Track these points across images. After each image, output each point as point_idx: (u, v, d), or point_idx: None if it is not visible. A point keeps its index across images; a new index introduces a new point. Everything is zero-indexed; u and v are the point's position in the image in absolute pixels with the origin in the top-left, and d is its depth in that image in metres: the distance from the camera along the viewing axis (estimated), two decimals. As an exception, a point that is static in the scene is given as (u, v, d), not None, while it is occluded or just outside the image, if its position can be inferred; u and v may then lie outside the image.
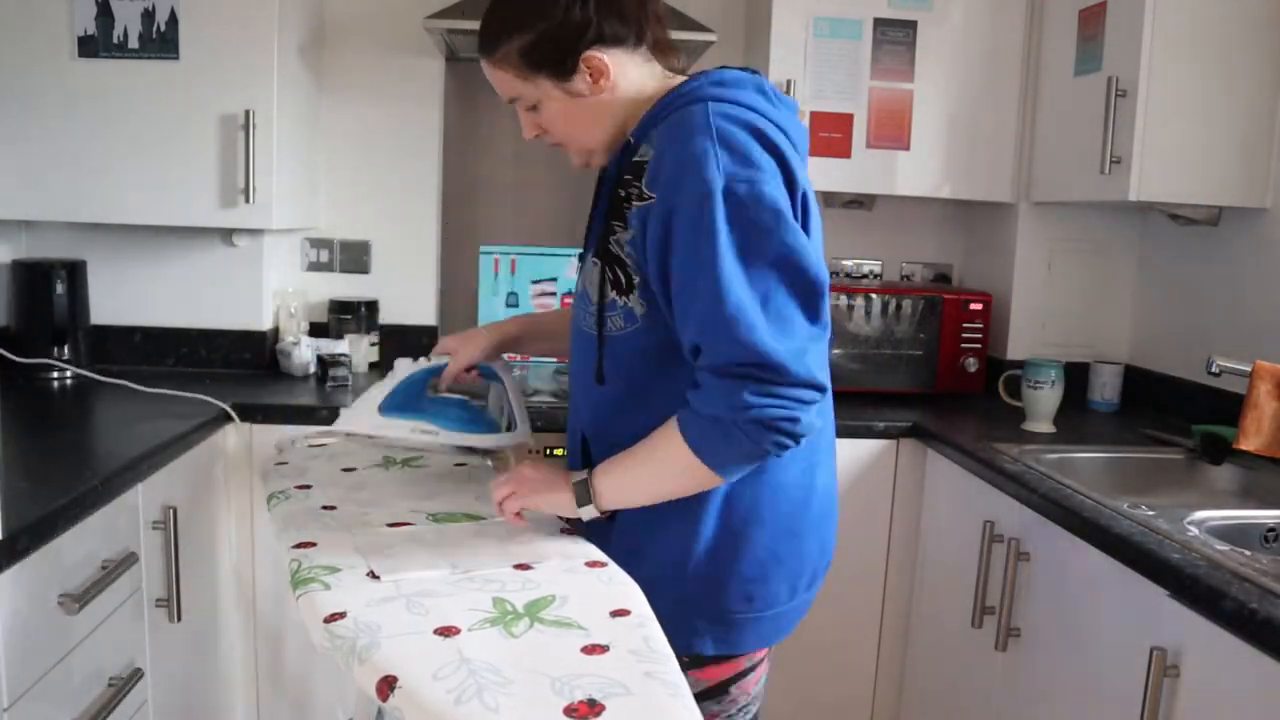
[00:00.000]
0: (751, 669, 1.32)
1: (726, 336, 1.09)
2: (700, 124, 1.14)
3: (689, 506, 1.23)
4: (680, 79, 1.26)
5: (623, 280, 1.21)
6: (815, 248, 1.18)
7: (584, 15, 1.19)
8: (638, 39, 1.24)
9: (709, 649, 1.27)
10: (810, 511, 1.30)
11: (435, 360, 1.47)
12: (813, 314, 1.14)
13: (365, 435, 1.46)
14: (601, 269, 1.22)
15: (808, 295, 1.13)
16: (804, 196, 1.20)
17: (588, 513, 1.23)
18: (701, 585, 1.25)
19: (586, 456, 1.30)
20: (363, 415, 1.41)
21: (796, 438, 1.12)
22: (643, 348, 1.22)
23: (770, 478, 1.24)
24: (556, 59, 1.20)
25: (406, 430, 1.42)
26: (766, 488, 1.25)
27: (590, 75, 1.21)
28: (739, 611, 1.26)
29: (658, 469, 1.20)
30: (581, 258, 1.33)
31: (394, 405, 1.42)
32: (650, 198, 1.14)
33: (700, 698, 1.27)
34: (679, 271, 1.13)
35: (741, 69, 1.25)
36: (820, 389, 1.12)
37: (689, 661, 1.25)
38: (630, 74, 1.24)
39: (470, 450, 1.56)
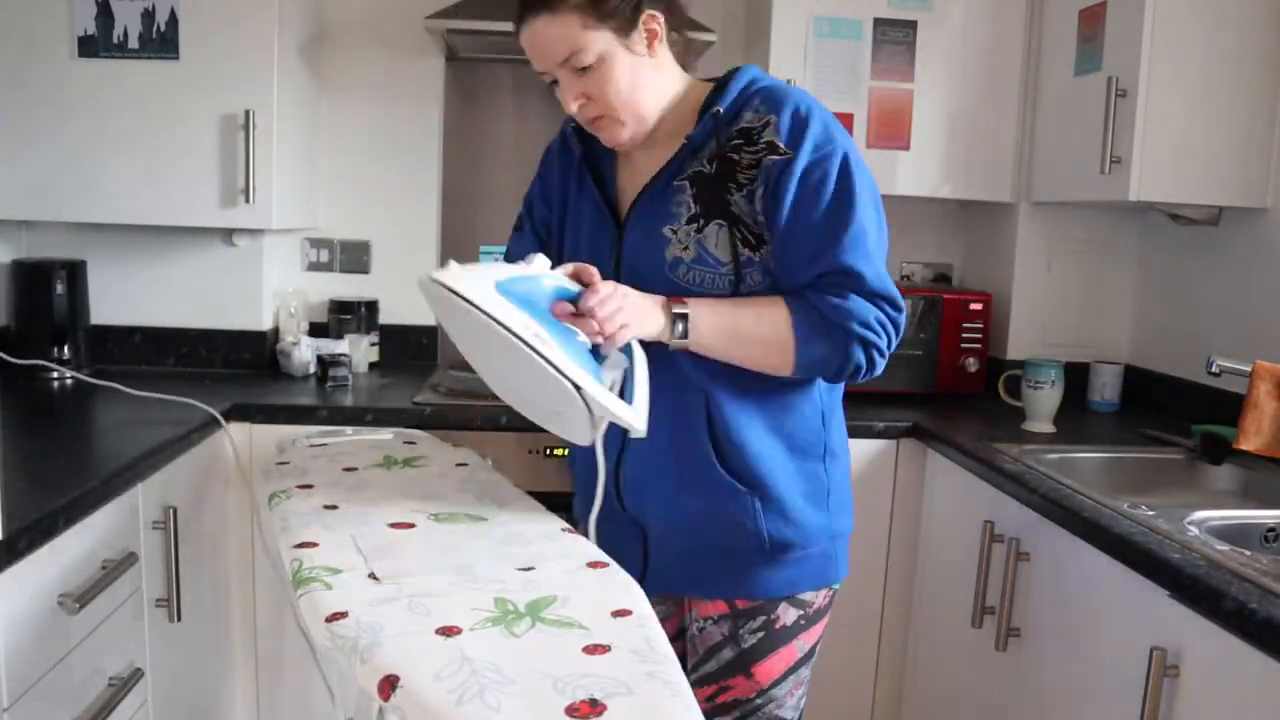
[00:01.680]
0: (824, 627, 1.43)
1: (875, 269, 1.26)
2: (804, 97, 1.29)
3: (816, 450, 1.36)
4: (699, 79, 1.37)
5: (752, 238, 1.28)
6: None
7: None
8: (670, 21, 1.31)
9: (843, 571, 1.41)
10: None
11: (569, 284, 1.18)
12: None
13: (463, 299, 1.07)
14: (730, 230, 1.27)
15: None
16: None
17: (677, 343, 1.25)
18: (840, 514, 1.39)
19: (710, 419, 1.31)
20: (477, 281, 1.06)
21: (872, 372, 1.29)
22: None
23: (836, 399, 1.41)
24: (623, 10, 1.24)
25: (519, 323, 1.07)
26: (837, 408, 1.42)
27: (647, 35, 1.27)
28: (849, 531, 1.42)
29: (753, 335, 1.26)
30: (642, 229, 1.32)
31: (514, 293, 1.08)
32: (787, 153, 1.25)
33: (801, 662, 1.40)
34: (829, 213, 1.25)
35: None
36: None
37: (805, 620, 1.38)
38: (665, 52, 1.32)
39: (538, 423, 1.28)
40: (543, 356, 1.08)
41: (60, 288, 2.26)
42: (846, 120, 2.39)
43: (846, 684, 2.27)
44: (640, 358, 1.24)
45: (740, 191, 1.27)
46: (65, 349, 2.26)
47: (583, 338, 1.16)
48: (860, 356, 1.26)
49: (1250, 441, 1.76)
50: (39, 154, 2.14)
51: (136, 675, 1.55)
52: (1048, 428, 2.16)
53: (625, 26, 1.24)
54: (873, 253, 1.27)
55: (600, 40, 1.23)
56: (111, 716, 1.45)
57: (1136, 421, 2.27)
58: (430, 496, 1.39)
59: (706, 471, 1.31)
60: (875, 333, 1.26)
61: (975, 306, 2.41)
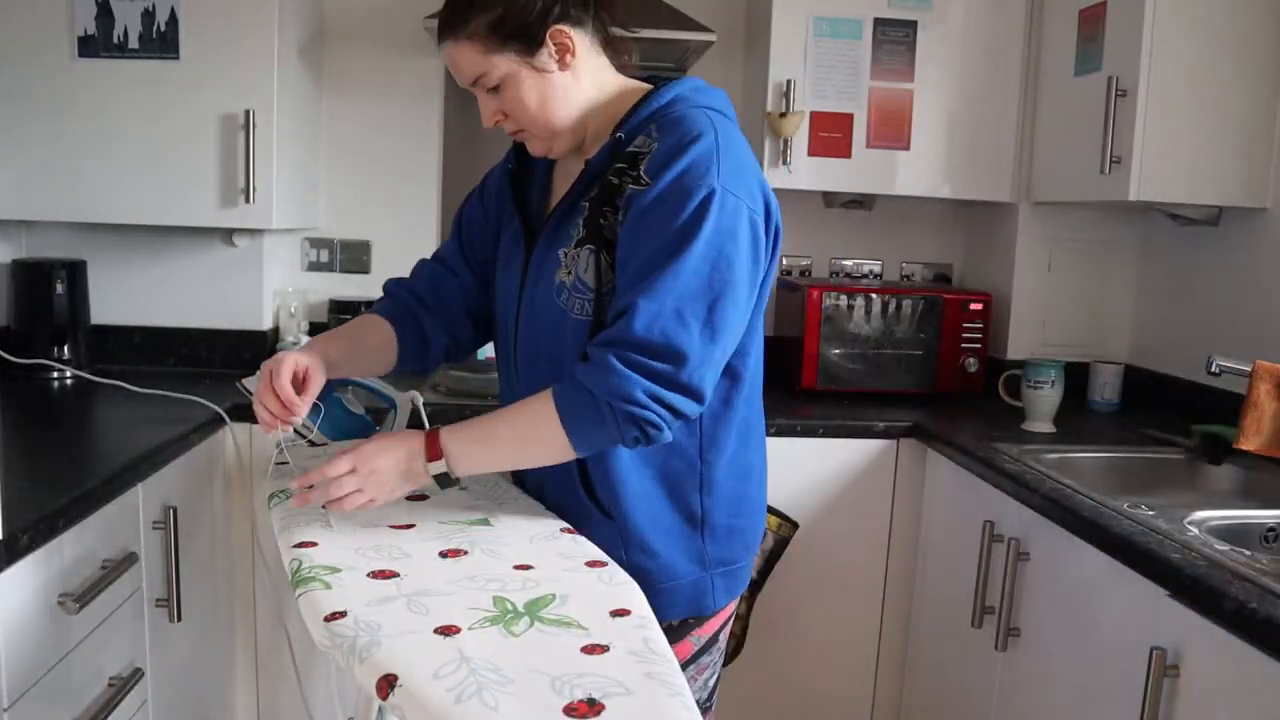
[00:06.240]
0: (729, 617, 1.42)
1: (656, 313, 1.14)
2: (706, 129, 1.21)
3: (690, 481, 1.31)
4: (639, 83, 1.33)
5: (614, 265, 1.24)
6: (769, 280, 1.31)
7: None
8: (595, 26, 1.29)
9: (722, 601, 1.37)
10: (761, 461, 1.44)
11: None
12: (728, 336, 1.22)
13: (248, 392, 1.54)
14: (598, 256, 1.24)
15: (733, 319, 1.21)
16: (777, 227, 1.29)
17: (443, 481, 1.24)
18: (718, 545, 1.35)
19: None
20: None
21: (659, 440, 1.20)
22: None
23: (729, 428, 1.33)
24: (526, 31, 1.23)
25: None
26: (754, 441, 1.39)
27: (557, 51, 1.25)
28: (738, 561, 1.38)
29: (521, 437, 1.23)
30: (545, 249, 1.30)
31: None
32: (647, 183, 1.19)
33: (699, 654, 1.39)
34: (656, 253, 1.17)
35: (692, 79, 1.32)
36: (702, 403, 1.20)
37: (694, 621, 1.35)
38: (589, 60, 1.29)
39: None
40: (306, 441, 1.57)
41: (60, 288, 2.26)
42: (846, 121, 2.39)
43: (847, 684, 2.27)
44: (403, 411, 1.57)
45: (615, 216, 1.22)
46: (65, 349, 2.26)
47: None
48: (633, 433, 1.17)
49: (1250, 441, 1.76)
50: (39, 154, 2.14)
51: (136, 675, 1.55)
52: (1048, 428, 2.16)
53: (529, 47, 1.24)
54: (663, 295, 1.14)
55: (503, 63, 1.24)
56: (111, 716, 1.45)
57: (1136, 421, 2.27)
58: (430, 496, 1.39)
59: (572, 495, 1.31)
60: (645, 408, 1.15)
61: (975, 306, 2.41)
